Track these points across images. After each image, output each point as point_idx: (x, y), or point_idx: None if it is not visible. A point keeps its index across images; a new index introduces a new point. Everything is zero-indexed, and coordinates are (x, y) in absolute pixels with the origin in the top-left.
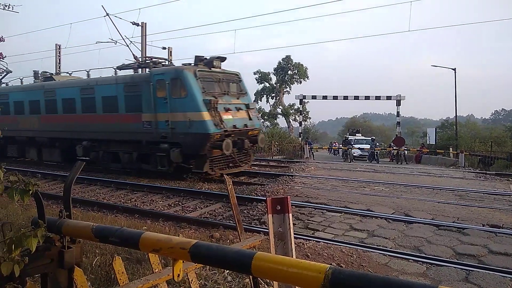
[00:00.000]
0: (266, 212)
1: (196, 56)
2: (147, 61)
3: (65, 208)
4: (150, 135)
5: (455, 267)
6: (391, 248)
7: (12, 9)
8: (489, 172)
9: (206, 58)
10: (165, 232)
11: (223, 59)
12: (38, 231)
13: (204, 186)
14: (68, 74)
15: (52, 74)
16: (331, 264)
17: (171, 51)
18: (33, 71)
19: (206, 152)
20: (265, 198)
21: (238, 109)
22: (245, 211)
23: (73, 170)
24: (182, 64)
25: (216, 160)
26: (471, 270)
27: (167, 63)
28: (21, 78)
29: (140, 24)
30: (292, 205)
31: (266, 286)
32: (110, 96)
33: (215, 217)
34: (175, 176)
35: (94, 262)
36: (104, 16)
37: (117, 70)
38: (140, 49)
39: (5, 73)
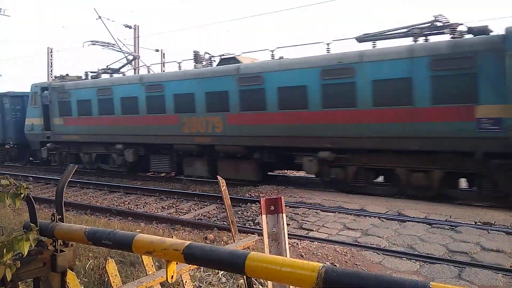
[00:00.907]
0: (260, 212)
1: None
2: (434, 23)
3: (57, 212)
4: (496, 142)
5: (448, 265)
6: (384, 246)
7: (4, 12)
8: None
9: None
10: (159, 234)
11: None
12: (30, 235)
13: (198, 188)
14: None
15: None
16: (325, 263)
17: (164, 54)
18: (193, 51)
19: None
20: (259, 199)
21: None
22: (239, 212)
23: (65, 174)
24: None
25: None
26: (464, 267)
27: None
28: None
29: (132, 26)
30: (286, 206)
31: (260, 286)
32: (396, 79)
33: (209, 218)
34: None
35: (87, 266)
36: (97, 19)
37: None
38: (133, 51)
39: (132, 58)
